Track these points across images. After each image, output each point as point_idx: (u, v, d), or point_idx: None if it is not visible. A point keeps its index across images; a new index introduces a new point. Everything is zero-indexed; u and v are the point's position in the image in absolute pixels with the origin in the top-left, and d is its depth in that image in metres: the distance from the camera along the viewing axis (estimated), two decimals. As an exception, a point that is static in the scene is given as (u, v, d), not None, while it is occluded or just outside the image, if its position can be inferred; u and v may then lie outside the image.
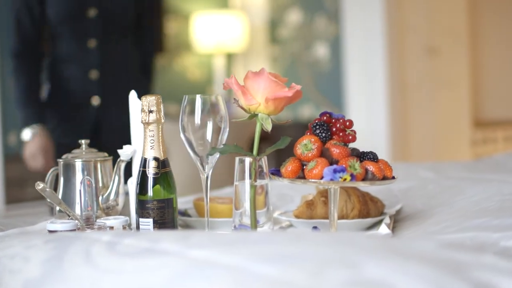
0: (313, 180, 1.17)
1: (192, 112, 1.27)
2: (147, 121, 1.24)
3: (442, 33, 4.58)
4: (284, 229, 1.42)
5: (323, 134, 1.23)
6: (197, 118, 1.27)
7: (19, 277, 0.96)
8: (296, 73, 4.75)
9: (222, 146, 1.27)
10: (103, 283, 0.85)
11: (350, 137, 1.22)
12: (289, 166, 1.20)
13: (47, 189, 1.27)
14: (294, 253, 0.79)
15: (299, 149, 1.21)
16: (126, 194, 1.41)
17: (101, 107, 2.46)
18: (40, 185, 1.26)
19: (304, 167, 1.20)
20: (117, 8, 2.46)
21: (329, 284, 0.70)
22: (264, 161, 1.22)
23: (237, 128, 3.40)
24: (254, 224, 1.20)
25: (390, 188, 1.68)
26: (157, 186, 1.24)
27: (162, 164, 1.25)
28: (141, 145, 1.30)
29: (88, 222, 1.27)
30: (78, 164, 1.38)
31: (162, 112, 1.25)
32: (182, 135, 1.28)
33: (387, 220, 1.34)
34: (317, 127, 1.24)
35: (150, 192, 1.24)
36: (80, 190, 1.34)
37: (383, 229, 1.24)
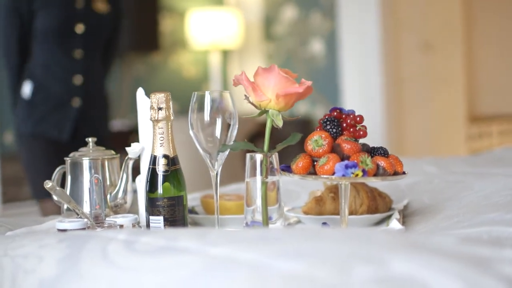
0: (325, 176, 1.16)
1: (200, 109, 1.26)
2: (156, 118, 1.23)
3: (437, 29, 4.59)
4: (292, 225, 1.42)
5: (334, 130, 1.22)
6: (207, 115, 1.26)
7: (34, 277, 0.95)
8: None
9: (232, 143, 1.27)
10: (122, 281, 0.84)
11: (361, 133, 1.22)
12: (300, 162, 1.20)
13: (57, 188, 1.26)
14: (317, 250, 0.78)
15: (310, 145, 1.20)
16: (134, 192, 1.40)
17: (80, 109, 2.68)
18: (49, 184, 1.25)
19: (315, 163, 1.20)
20: (100, 25, 2.75)
21: (356, 281, 0.69)
22: (275, 158, 1.21)
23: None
24: (266, 220, 1.19)
25: (397, 183, 1.68)
26: (167, 184, 1.23)
27: (172, 161, 1.24)
28: (149, 143, 1.29)
29: (98, 221, 1.26)
30: (86, 162, 1.37)
31: (171, 109, 1.25)
32: (191, 132, 1.27)
33: (396, 215, 1.33)
34: (328, 122, 1.23)
35: (160, 190, 1.23)
36: (89, 189, 1.33)
37: (395, 224, 1.24)
